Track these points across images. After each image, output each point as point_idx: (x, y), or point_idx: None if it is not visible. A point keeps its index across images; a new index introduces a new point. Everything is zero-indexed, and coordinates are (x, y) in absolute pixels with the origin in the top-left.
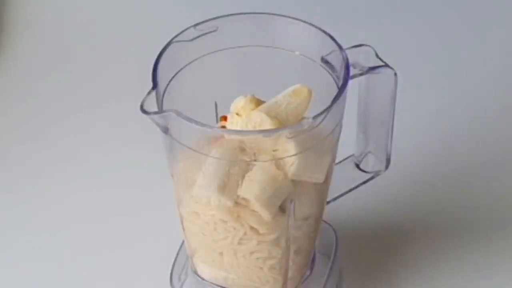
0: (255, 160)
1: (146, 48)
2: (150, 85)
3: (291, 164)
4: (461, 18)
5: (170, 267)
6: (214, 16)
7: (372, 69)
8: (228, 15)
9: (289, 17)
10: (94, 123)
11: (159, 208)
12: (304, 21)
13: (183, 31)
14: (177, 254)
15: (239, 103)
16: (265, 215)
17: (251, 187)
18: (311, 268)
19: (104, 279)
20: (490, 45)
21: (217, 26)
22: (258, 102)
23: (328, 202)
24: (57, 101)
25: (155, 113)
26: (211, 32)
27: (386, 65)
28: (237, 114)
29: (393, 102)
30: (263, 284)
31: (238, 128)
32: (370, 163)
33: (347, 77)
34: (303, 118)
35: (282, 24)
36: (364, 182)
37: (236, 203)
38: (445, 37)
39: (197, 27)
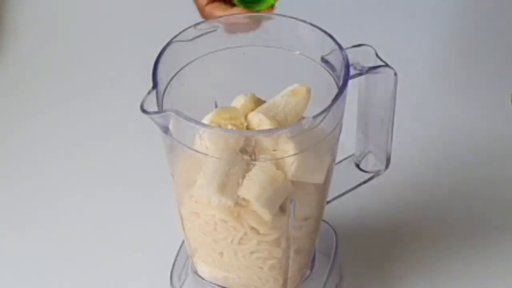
0: (255, 160)
1: (146, 48)
2: (150, 85)
3: (291, 165)
4: (461, 18)
5: (170, 267)
6: None
7: (372, 69)
8: (228, 15)
9: (289, 17)
10: (94, 123)
11: (159, 208)
12: (304, 21)
13: (183, 31)
14: (177, 254)
15: (239, 102)
16: (265, 215)
17: (251, 187)
18: (311, 268)
19: (105, 279)
20: (490, 44)
21: (217, 26)
22: (258, 101)
23: (328, 202)
24: (57, 101)
25: (155, 113)
26: (211, 32)
27: (386, 65)
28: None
29: (393, 102)
30: (263, 284)
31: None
32: (370, 163)
33: (347, 77)
34: (302, 118)
35: (282, 24)
36: (364, 182)
37: (236, 203)
38: (445, 37)
39: (197, 27)
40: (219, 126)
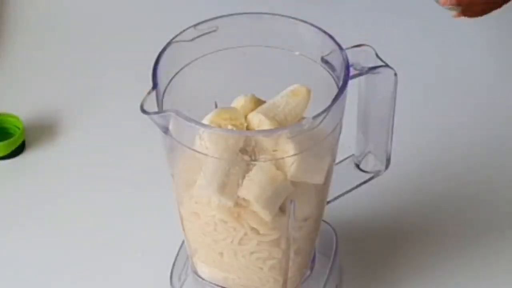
0: (255, 160)
1: (146, 48)
2: (150, 85)
3: (291, 165)
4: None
5: (170, 267)
6: (214, 16)
7: (372, 69)
8: (228, 15)
9: (289, 17)
10: (94, 123)
11: (159, 208)
12: (304, 21)
13: (183, 31)
14: (177, 254)
15: (239, 102)
16: (265, 215)
17: (251, 188)
18: (311, 268)
19: (105, 279)
20: (490, 44)
21: (217, 26)
22: (258, 102)
23: (328, 202)
24: (57, 101)
25: (155, 113)
26: (211, 32)
27: (386, 65)
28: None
29: (393, 102)
30: (263, 284)
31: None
32: (370, 163)
33: (347, 77)
34: (302, 118)
35: (282, 24)
36: (364, 182)
37: (236, 204)
38: (445, 37)
39: (197, 27)
40: (219, 126)
